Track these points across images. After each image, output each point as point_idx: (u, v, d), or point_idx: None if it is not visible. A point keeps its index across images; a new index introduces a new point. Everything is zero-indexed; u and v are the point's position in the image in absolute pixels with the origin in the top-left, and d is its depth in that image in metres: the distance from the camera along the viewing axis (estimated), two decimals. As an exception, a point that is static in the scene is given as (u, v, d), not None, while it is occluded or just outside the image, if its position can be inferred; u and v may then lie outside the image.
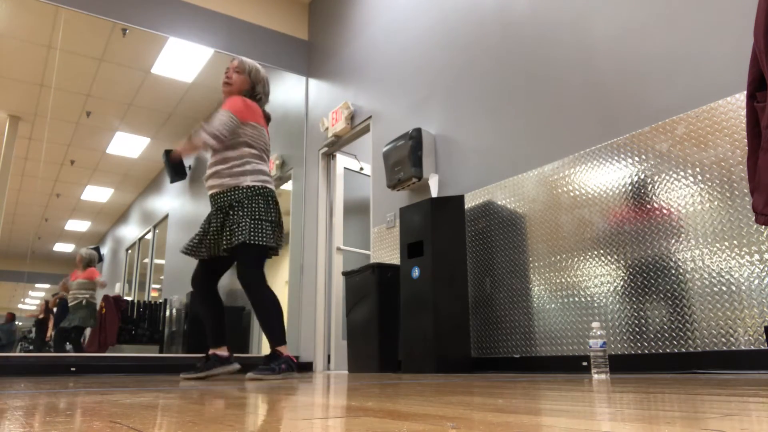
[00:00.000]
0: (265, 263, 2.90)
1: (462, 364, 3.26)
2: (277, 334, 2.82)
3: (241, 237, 2.77)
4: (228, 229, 2.84)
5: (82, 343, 5.03)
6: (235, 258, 2.89)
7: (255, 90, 3.13)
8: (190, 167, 5.78)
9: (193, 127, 5.84)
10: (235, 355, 3.08)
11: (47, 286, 5.08)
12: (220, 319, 3.03)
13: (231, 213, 2.86)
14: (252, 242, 2.78)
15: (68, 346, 4.98)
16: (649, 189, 2.70)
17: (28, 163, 4.91)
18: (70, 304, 5.04)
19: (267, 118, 3.16)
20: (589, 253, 2.91)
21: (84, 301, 5.06)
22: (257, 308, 2.82)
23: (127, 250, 5.82)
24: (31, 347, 5.05)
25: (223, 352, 2.97)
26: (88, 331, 5.07)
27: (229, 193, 2.89)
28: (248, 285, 2.82)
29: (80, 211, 5.43)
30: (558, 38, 3.30)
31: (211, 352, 2.95)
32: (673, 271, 2.54)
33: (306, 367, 5.30)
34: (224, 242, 2.84)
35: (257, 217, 2.84)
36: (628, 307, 2.70)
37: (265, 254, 2.87)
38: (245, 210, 2.84)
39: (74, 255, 5.21)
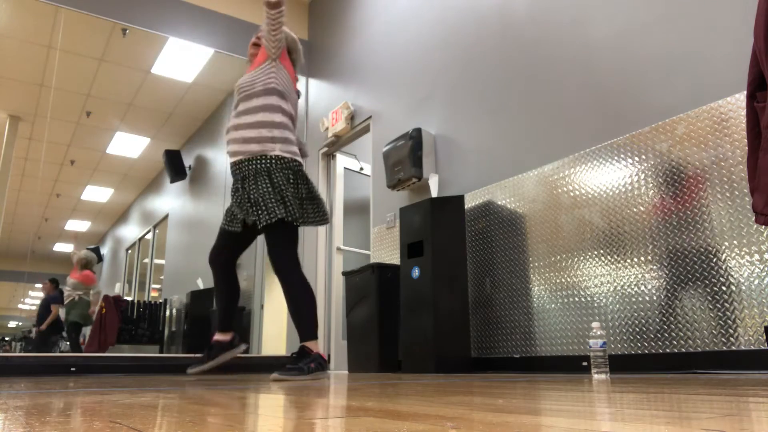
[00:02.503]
0: (297, 242, 2.69)
1: (462, 364, 3.26)
2: (306, 327, 2.58)
3: (272, 215, 2.54)
4: (254, 203, 2.60)
5: (81, 343, 5.03)
6: (266, 238, 2.65)
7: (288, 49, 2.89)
8: (190, 167, 5.78)
9: (191, 125, 5.84)
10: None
11: (47, 286, 5.08)
12: (234, 302, 2.84)
13: (256, 184, 2.61)
14: (286, 219, 2.56)
15: (64, 346, 4.98)
16: (648, 189, 2.70)
17: (28, 163, 4.91)
18: (65, 302, 5.05)
19: (297, 93, 2.92)
20: (589, 253, 2.91)
21: (76, 298, 5.06)
22: (289, 298, 2.60)
23: (127, 250, 5.82)
24: (30, 347, 5.05)
25: (225, 337, 2.81)
26: (87, 331, 5.07)
27: (255, 162, 2.64)
28: (279, 269, 2.60)
29: (80, 211, 5.43)
30: (558, 38, 3.30)
31: (214, 339, 2.80)
32: (673, 271, 2.54)
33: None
34: (253, 217, 2.60)
35: (282, 190, 2.60)
36: (628, 307, 2.70)
37: (297, 233, 2.67)
38: (271, 183, 2.60)
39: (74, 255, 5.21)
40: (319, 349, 2.62)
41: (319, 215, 2.73)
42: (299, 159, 2.76)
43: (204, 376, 2.87)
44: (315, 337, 2.61)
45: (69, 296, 5.06)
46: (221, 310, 2.83)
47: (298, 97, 2.94)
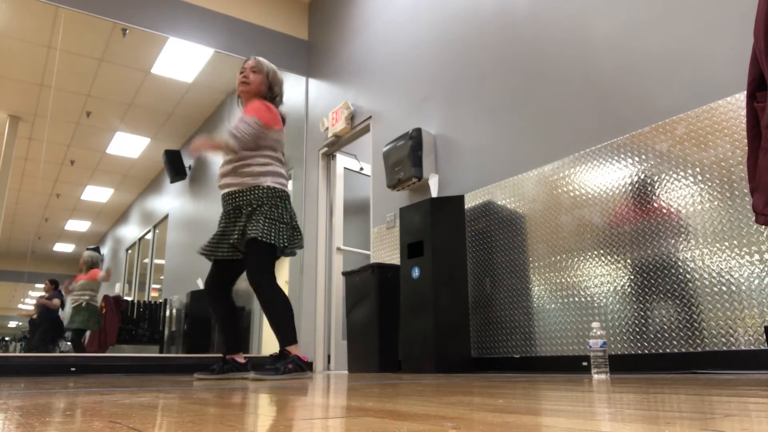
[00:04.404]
0: (275, 264, 2.89)
1: (462, 364, 3.26)
2: (286, 334, 2.74)
3: (253, 233, 2.75)
4: (244, 226, 2.83)
5: (82, 344, 5.03)
6: (245, 255, 2.85)
7: (273, 91, 3.11)
8: (190, 167, 5.78)
9: (191, 125, 5.84)
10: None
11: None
12: (237, 325, 3.02)
13: (249, 212, 2.85)
14: (264, 240, 2.76)
15: (66, 346, 4.98)
16: (649, 189, 2.70)
17: (28, 163, 4.91)
18: (72, 305, 5.04)
19: (283, 119, 3.15)
20: (589, 253, 2.91)
21: (84, 303, 5.06)
22: (266, 307, 2.76)
23: (127, 250, 5.82)
24: (25, 345, 5.05)
25: (240, 358, 2.96)
26: (88, 332, 5.07)
27: (248, 193, 2.87)
28: (257, 283, 2.77)
29: (80, 211, 5.43)
30: (558, 38, 3.30)
31: (229, 356, 2.94)
32: (674, 271, 2.54)
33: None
34: (237, 238, 2.82)
35: (274, 217, 2.84)
36: (628, 307, 2.70)
37: (275, 255, 2.86)
38: (263, 210, 2.83)
39: (74, 255, 5.21)
40: (298, 352, 2.76)
41: (298, 241, 2.98)
42: (287, 189, 3.03)
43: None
44: (295, 341, 2.77)
45: (76, 301, 5.05)
46: (229, 334, 2.99)
47: (284, 123, 3.18)
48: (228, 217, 2.94)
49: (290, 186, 6.11)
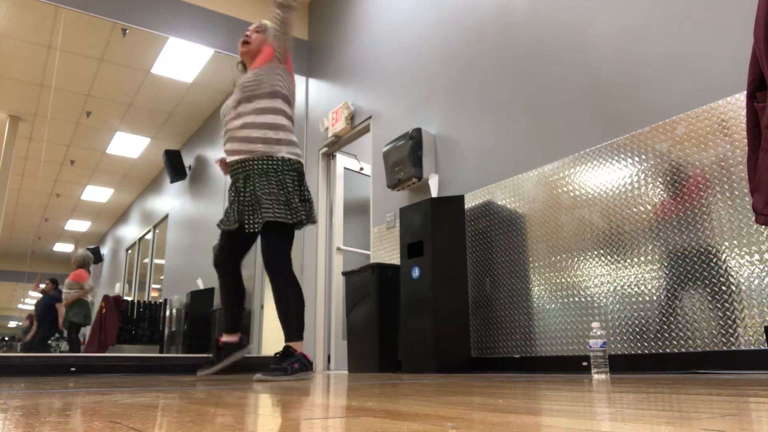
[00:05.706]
0: (292, 244, 2.72)
1: (462, 364, 3.26)
2: (293, 328, 2.61)
3: (269, 215, 2.56)
4: (257, 201, 2.62)
5: (80, 342, 5.03)
6: (262, 237, 2.66)
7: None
8: (190, 167, 5.78)
9: (191, 125, 5.84)
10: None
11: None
12: (240, 305, 2.88)
13: (261, 184, 2.62)
14: (281, 220, 2.59)
15: (66, 346, 4.98)
16: (649, 189, 2.70)
17: (28, 163, 4.91)
18: (63, 303, 5.06)
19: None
20: (589, 253, 2.91)
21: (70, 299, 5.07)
22: (277, 295, 2.63)
23: (127, 250, 5.82)
24: (24, 345, 5.05)
25: (233, 338, 2.84)
26: (87, 331, 5.07)
27: (260, 162, 2.64)
28: (272, 269, 2.62)
29: (80, 211, 5.43)
30: (558, 38, 3.30)
31: (222, 341, 2.83)
32: (673, 271, 2.54)
33: (306, 367, 5.29)
34: (253, 217, 2.62)
35: (289, 192, 2.63)
36: (628, 307, 2.70)
37: (293, 235, 2.70)
38: (277, 184, 2.62)
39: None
40: (302, 350, 2.65)
41: (312, 216, 2.78)
42: (302, 160, 2.79)
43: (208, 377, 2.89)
44: (300, 338, 2.65)
45: (65, 297, 5.06)
46: (231, 313, 2.87)
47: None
48: (239, 187, 2.71)
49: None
